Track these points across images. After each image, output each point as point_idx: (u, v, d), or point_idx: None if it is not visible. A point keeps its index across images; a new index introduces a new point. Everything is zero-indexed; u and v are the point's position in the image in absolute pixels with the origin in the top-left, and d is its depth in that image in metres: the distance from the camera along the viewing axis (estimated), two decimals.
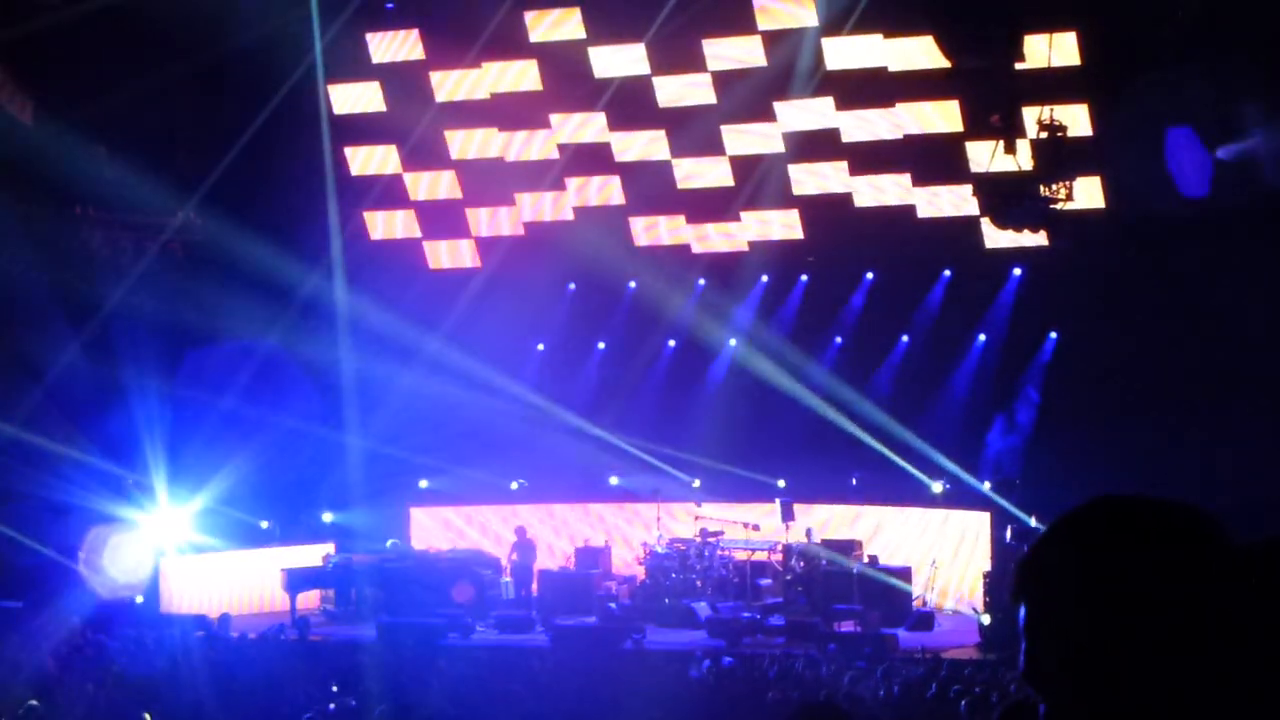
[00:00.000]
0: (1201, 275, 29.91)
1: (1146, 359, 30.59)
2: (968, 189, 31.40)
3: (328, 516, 34.87)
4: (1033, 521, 30.55)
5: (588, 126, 34.82)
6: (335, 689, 20.97)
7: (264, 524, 33.54)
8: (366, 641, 27.58)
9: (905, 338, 35.03)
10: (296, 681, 21.54)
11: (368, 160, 36.37)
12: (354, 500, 34.21)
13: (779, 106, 33.29)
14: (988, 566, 30.26)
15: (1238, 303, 29.29)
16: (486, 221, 36.55)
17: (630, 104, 34.08)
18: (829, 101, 32.90)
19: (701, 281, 36.03)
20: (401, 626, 28.72)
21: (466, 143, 35.78)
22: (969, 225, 32.39)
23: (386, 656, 24.46)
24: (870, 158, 33.14)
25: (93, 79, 30.70)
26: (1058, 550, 2.76)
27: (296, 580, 31.72)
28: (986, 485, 32.44)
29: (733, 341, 35.80)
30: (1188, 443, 28.82)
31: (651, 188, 34.66)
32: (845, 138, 33.10)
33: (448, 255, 37.02)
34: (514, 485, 35.25)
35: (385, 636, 27.81)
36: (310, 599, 32.61)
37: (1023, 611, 2.78)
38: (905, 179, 33.08)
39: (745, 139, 33.98)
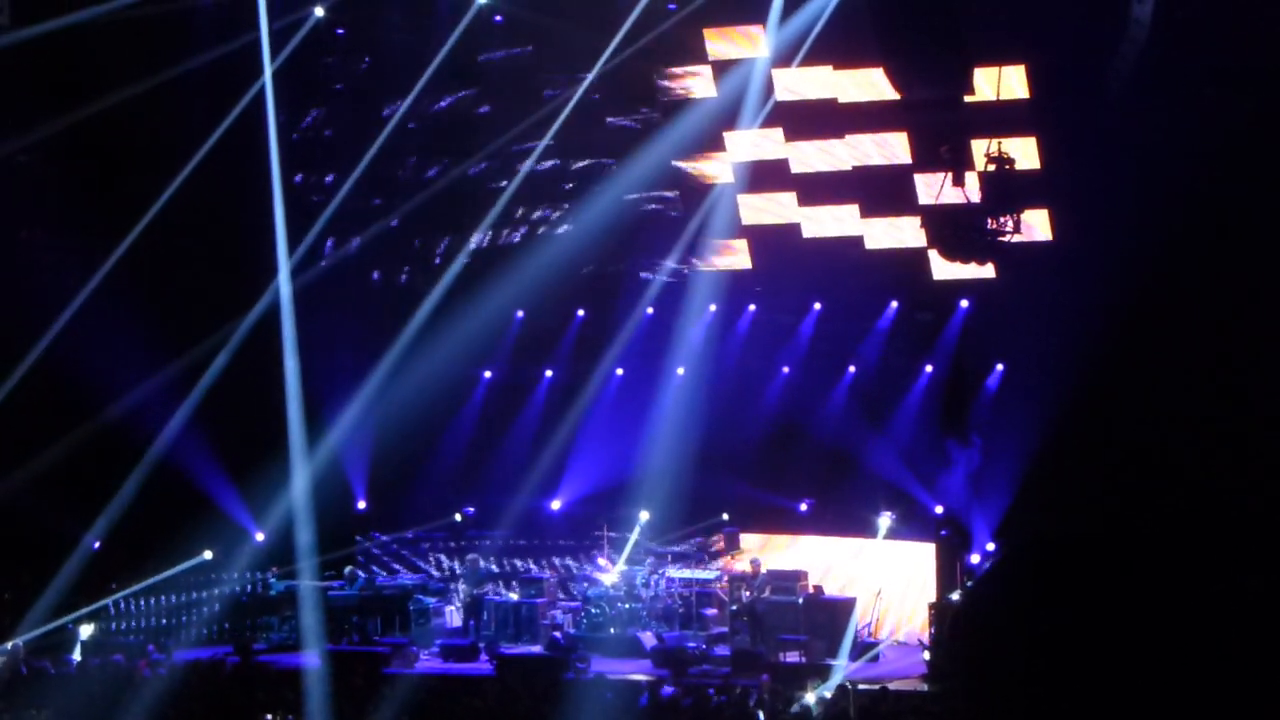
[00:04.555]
0: (1146, 308, 30.04)
1: (1092, 391, 30.65)
2: (916, 220, 31.48)
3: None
4: (990, 547, 30.65)
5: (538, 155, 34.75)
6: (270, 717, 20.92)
7: (208, 554, 33.19)
8: (310, 668, 27.41)
9: (852, 368, 35.05)
10: (239, 706, 21.45)
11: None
12: (299, 525, 33.92)
13: (728, 136, 33.34)
14: (933, 597, 30.28)
15: (1182, 336, 29.42)
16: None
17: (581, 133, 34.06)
18: (778, 132, 32.96)
19: (650, 310, 35.94)
20: (346, 653, 28.58)
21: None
22: (917, 256, 32.47)
23: (329, 683, 24.33)
24: (819, 188, 33.19)
25: (41, 102, 30.54)
26: (992, 598, 2.80)
27: (240, 606, 31.54)
28: (939, 510, 32.51)
29: (681, 370, 35.70)
30: (1135, 474, 28.90)
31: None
32: (794, 168, 33.16)
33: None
34: (457, 516, 35.07)
35: (329, 663, 27.65)
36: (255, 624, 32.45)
37: (961, 650, 2.81)
38: (854, 210, 33.12)
39: (696, 170, 33.99)
